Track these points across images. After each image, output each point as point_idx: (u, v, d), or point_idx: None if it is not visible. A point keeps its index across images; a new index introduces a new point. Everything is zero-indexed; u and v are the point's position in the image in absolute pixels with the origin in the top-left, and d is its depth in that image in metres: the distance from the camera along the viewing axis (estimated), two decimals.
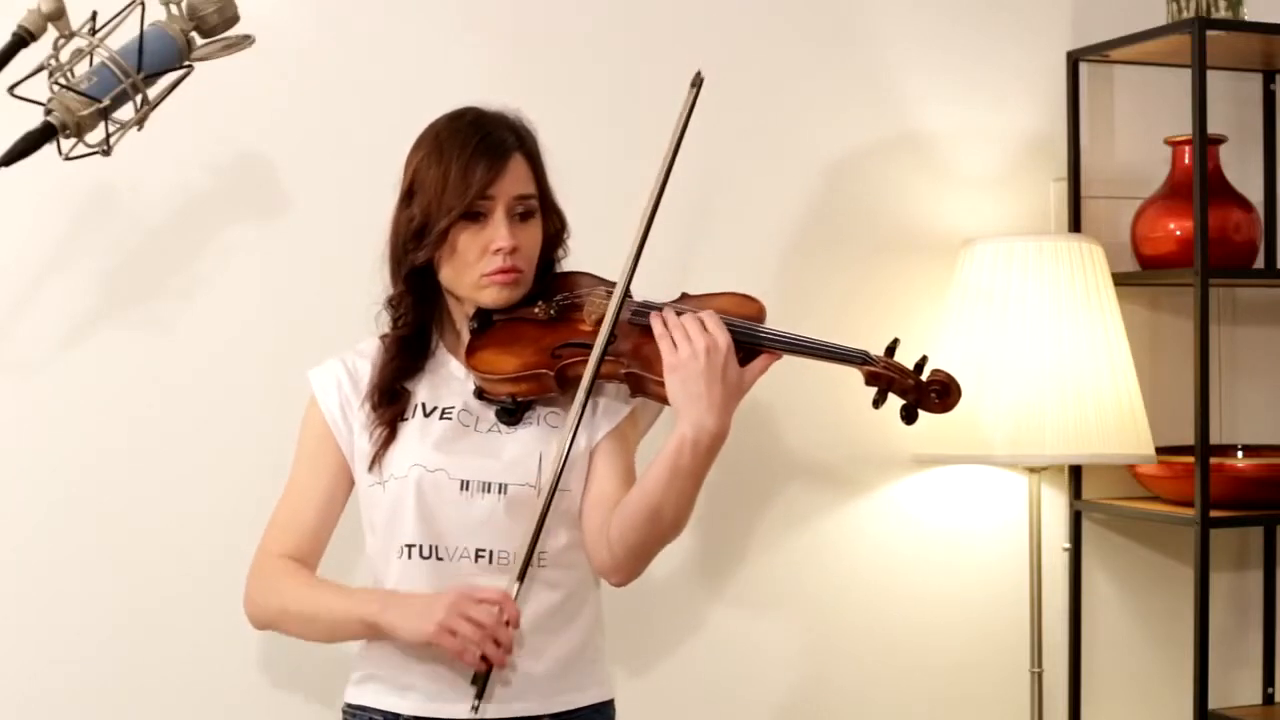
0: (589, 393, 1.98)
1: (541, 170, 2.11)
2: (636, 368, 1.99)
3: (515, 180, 2.04)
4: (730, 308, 2.01)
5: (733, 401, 1.92)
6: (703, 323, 1.93)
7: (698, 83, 2.06)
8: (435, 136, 2.06)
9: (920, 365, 1.98)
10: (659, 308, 2.02)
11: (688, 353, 1.91)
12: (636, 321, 2.03)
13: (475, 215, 2.02)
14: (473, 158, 2.01)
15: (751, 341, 1.98)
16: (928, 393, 1.97)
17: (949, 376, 1.98)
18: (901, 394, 1.97)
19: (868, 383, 1.98)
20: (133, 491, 2.52)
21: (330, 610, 2.01)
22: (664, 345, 1.94)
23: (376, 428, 2.06)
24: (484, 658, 1.90)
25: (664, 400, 2.00)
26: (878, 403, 1.98)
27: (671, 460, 1.91)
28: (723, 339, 1.92)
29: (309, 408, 2.13)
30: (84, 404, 2.50)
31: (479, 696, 1.92)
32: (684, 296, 2.08)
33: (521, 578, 1.94)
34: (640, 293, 2.09)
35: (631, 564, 2.01)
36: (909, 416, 1.99)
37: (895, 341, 2.00)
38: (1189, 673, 2.75)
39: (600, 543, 2.01)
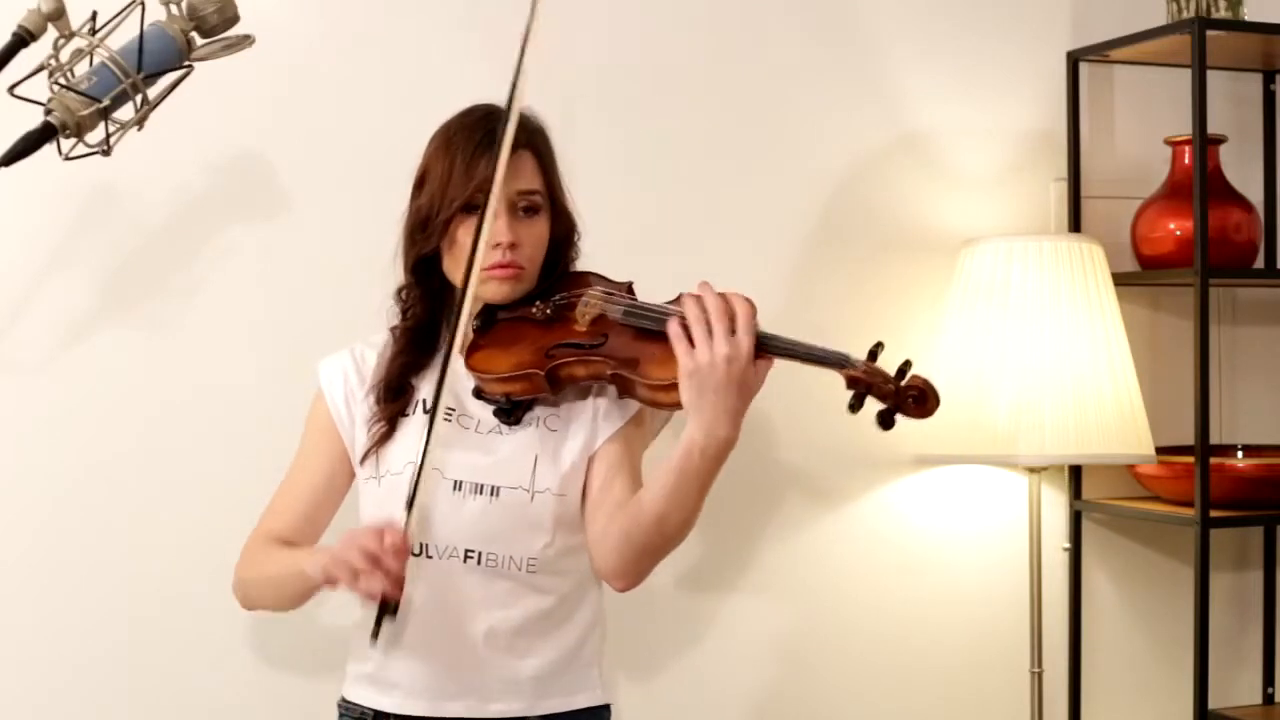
0: (447, 358, 1.96)
1: (550, 169, 2.10)
2: (624, 370, 1.97)
3: (518, 175, 2.04)
4: None
5: (745, 407, 1.87)
6: (732, 324, 1.86)
7: None
8: (446, 130, 2.08)
9: (902, 371, 1.92)
10: (661, 311, 1.98)
11: (707, 359, 1.84)
12: (628, 322, 2.00)
13: (476, 209, 2.02)
14: (476, 151, 2.02)
15: (762, 347, 1.92)
16: (905, 398, 1.90)
17: (926, 382, 1.91)
18: (881, 399, 1.91)
19: (848, 386, 1.92)
20: (134, 492, 2.52)
21: (280, 568, 2.01)
22: (680, 347, 1.87)
23: (376, 423, 2.07)
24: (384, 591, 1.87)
25: (652, 404, 1.99)
26: (854, 407, 1.91)
27: (680, 464, 1.87)
28: (745, 346, 1.85)
29: (315, 398, 2.14)
30: (84, 404, 2.50)
31: (375, 630, 1.91)
32: (680, 298, 2.07)
33: (409, 506, 1.91)
34: (639, 293, 2.09)
35: (635, 569, 1.99)
36: (885, 422, 1.91)
37: (879, 345, 1.93)
38: (1189, 673, 2.75)
39: (603, 547, 2.00)
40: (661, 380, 1.94)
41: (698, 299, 1.89)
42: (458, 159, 2.03)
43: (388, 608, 1.91)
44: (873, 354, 1.93)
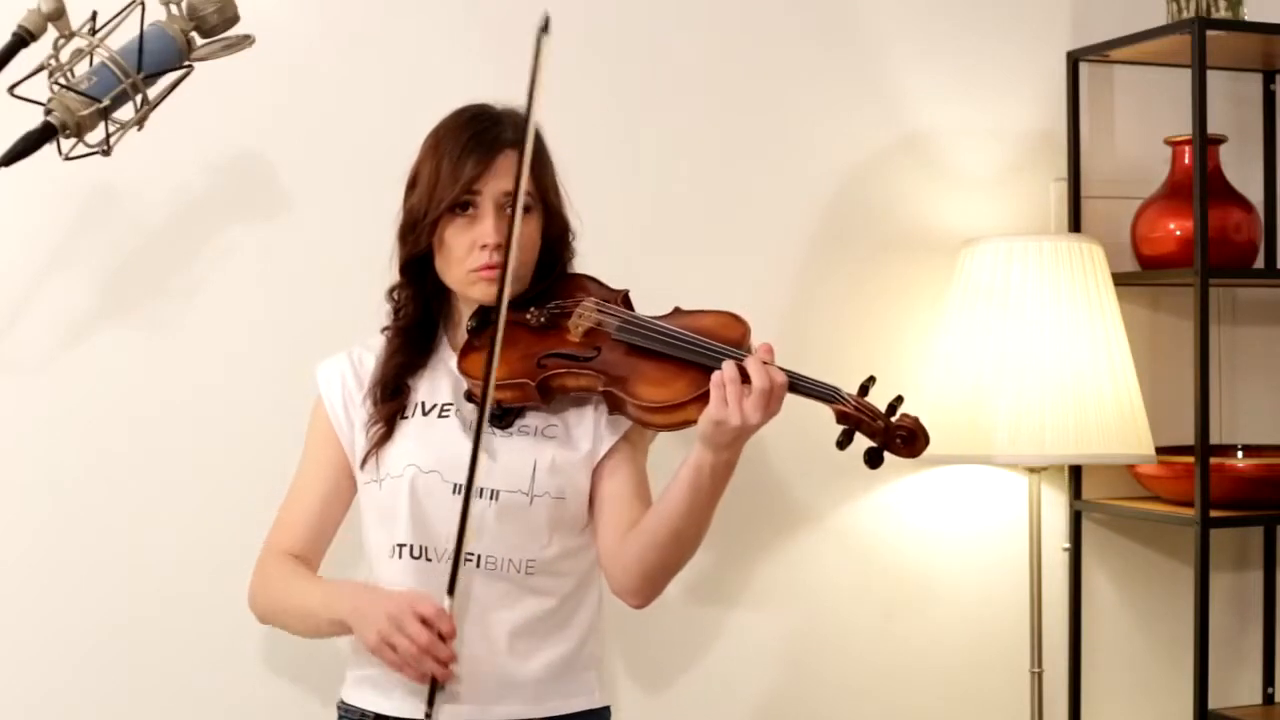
0: (486, 386, 1.93)
1: (542, 169, 2.09)
2: (614, 387, 1.97)
3: (507, 175, 2.03)
4: (715, 328, 1.99)
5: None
6: (770, 393, 1.86)
7: (545, 27, 1.91)
8: (437, 131, 2.08)
9: (893, 407, 1.92)
10: (653, 329, 1.99)
11: (737, 421, 1.85)
12: (621, 337, 2.01)
13: (465, 209, 2.02)
14: (464, 151, 2.02)
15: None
16: (894, 437, 1.91)
17: (916, 421, 1.92)
18: (870, 436, 1.91)
19: (837, 421, 1.92)
20: (134, 492, 2.52)
21: (306, 603, 2.02)
22: (716, 394, 1.87)
23: (374, 425, 2.06)
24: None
25: (640, 423, 1.99)
26: (842, 444, 1.91)
27: (692, 483, 1.90)
28: (772, 416, 1.88)
29: (315, 404, 2.14)
30: (84, 404, 2.50)
31: (429, 704, 1.93)
32: (676, 311, 2.07)
33: (451, 590, 1.93)
34: (635, 296, 2.09)
35: (651, 587, 2.01)
36: (873, 461, 1.91)
37: (870, 380, 1.94)
38: (1189, 673, 2.75)
39: (617, 567, 2.01)
40: (651, 402, 1.95)
41: (740, 368, 1.88)
42: (445, 160, 2.03)
43: (436, 686, 1.93)
44: (864, 388, 1.93)
